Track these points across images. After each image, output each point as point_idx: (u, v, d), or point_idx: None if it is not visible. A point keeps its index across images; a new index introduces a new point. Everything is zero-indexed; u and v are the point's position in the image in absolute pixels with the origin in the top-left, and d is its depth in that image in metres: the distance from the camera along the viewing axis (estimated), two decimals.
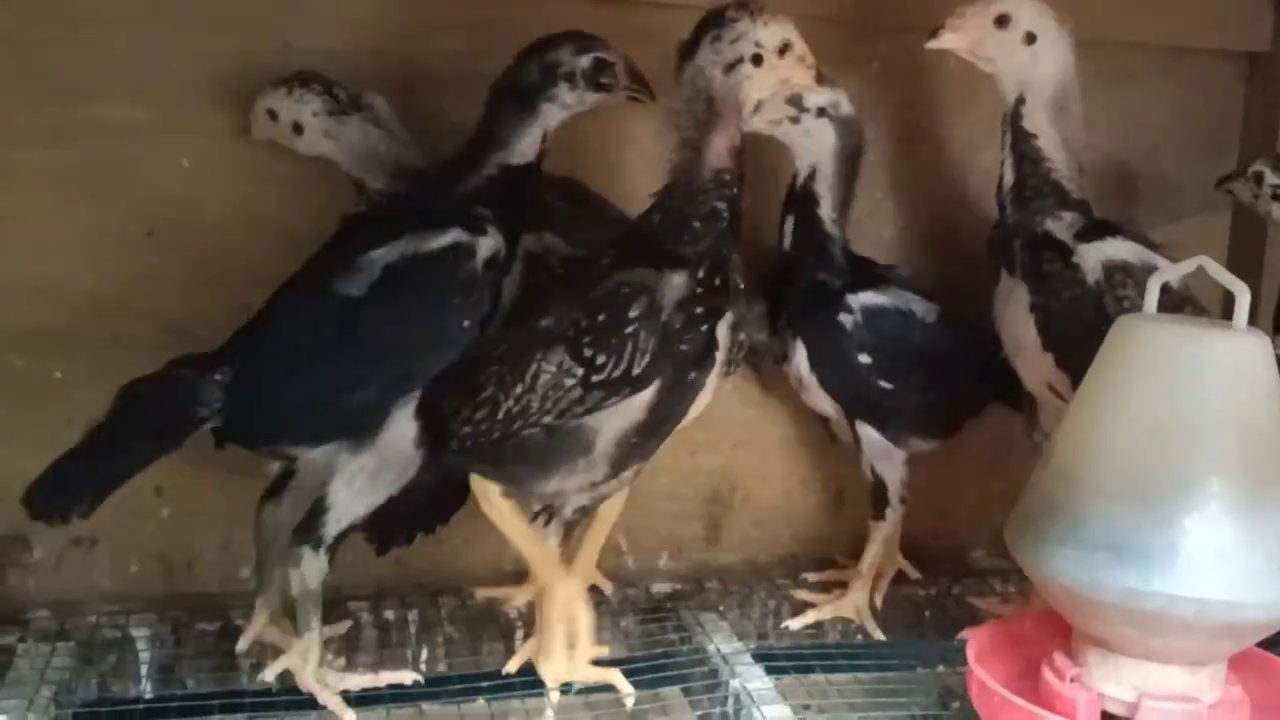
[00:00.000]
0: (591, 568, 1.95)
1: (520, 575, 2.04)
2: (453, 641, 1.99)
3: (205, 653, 1.88)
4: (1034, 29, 1.80)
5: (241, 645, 1.82)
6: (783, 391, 2.20)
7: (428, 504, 1.87)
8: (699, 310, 1.59)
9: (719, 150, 1.60)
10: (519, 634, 2.00)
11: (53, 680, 1.71)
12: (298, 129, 1.83)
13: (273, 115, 1.83)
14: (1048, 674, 1.59)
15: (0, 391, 1.90)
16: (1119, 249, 1.81)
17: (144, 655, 1.86)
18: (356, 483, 1.67)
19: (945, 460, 2.21)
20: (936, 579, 2.24)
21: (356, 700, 1.75)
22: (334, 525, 1.68)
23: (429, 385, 1.64)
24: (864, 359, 2.00)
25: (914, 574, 2.21)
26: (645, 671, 1.83)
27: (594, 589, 2.04)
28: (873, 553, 2.09)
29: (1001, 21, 1.79)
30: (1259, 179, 2.13)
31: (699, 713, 1.81)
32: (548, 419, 1.59)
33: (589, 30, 1.76)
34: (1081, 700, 1.53)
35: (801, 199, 1.99)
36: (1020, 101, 1.83)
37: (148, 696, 1.83)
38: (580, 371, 1.56)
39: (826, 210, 1.99)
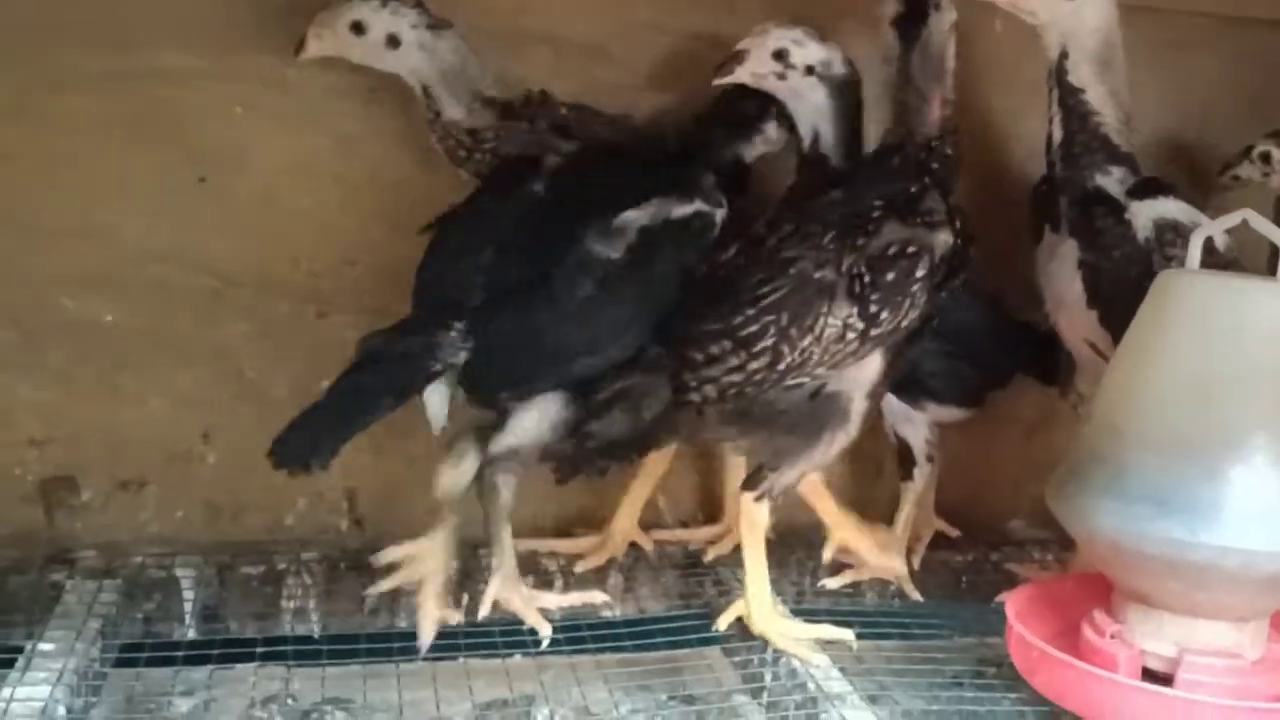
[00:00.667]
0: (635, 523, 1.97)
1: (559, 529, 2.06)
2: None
3: (249, 596, 1.90)
4: None
5: (483, 612, 1.81)
6: None
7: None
8: (955, 266, 1.69)
9: (942, 104, 1.74)
10: (557, 588, 2.00)
11: (100, 615, 1.73)
12: (393, 41, 1.80)
13: (359, 28, 1.77)
14: (1088, 631, 1.59)
15: (51, 334, 1.93)
16: (1170, 208, 1.80)
17: (188, 596, 1.88)
18: (553, 424, 1.74)
19: (983, 428, 2.20)
20: (975, 547, 2.23)
21: (399, 650, 1.76)
22: (507, 442, 1.76)
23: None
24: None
25: (953, 533, 2.21)
26: (688, 628, 1.84)
27: (634, 545, 2.07)
28: (905, 514, 2.07)
29: None
30: (1267, 158, 2.12)
31: (739, 671, 1.80)
32: (820, 370, 1.66)
33: None
34: (1123, 656, 1.53)
35: (812, 164, 1.87)
36: (1064, 55, 1.81)
37: (191, 637, 1.85)
38: (862, 326, 1.64)
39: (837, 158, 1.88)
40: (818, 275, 1.64)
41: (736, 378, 1.65)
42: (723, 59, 1.79)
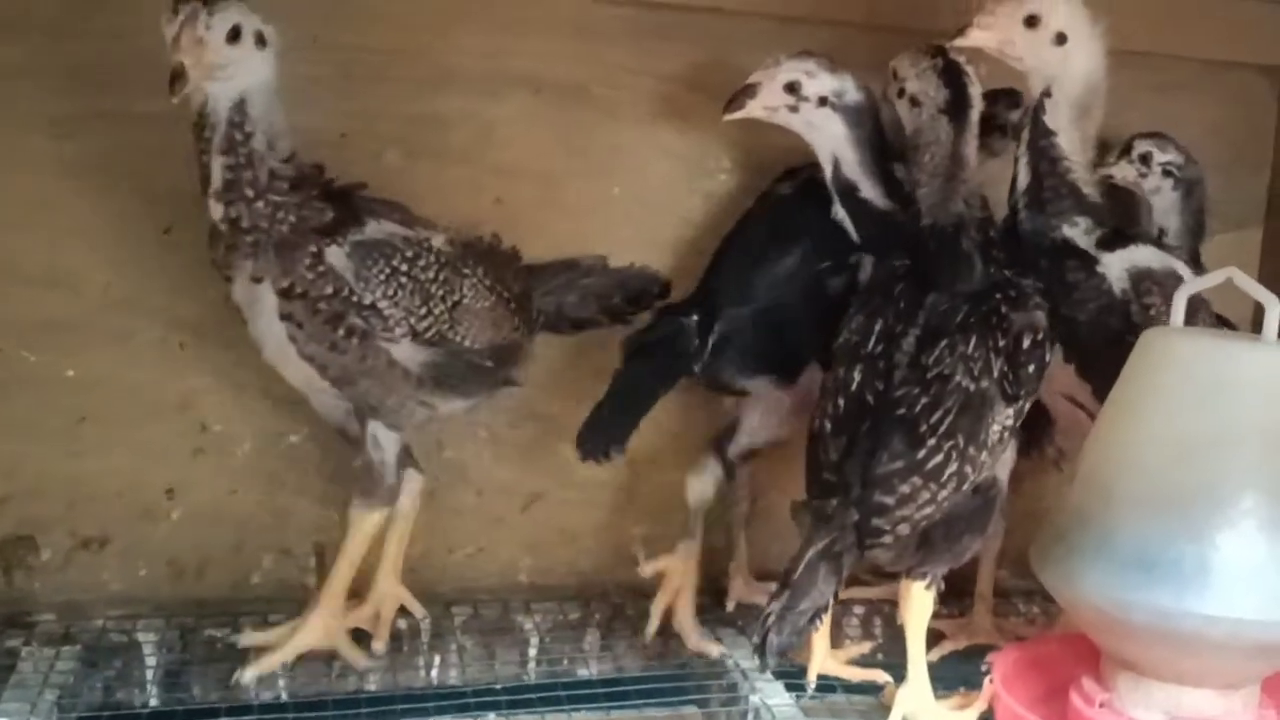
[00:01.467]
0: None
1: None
2: (466, 651, 1.94)
3: (213, 659, 1.84)
4: (1065, 29, 1.76)
5: (729, 606, 2.04)
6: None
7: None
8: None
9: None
10: (533, 645, 1.97)
11: (56, 685, 1.67)
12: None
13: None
14: (1076, 699, 1.56)
15: (12, 385, 1.87)
16: (1142, 255, 1.78)
17: (150, 661, 1.82)
18: (771, 413, 1.93)
19: None
20: (958, 600, 2.17)
21: (367, 715, 1.73)
22: (742, 442, 1.96)
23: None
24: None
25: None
26: (665, 689, 1.81)
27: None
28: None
29: (1031, 21, 1.76)
30: (1146, 160, 2.08)
31: None
32: (986, 471, 1.67)
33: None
34: None
35: (840, 191, 1.87)
36: (1046, 95, 1.78)
37: (153, 704, 1.79)
38: (1013, 420, 1.69)
39: (870, 192, 1.87)
40: (977, 388, 1.64)
41: (929, 510, 1.60)
42: (733, 93, 1.79)
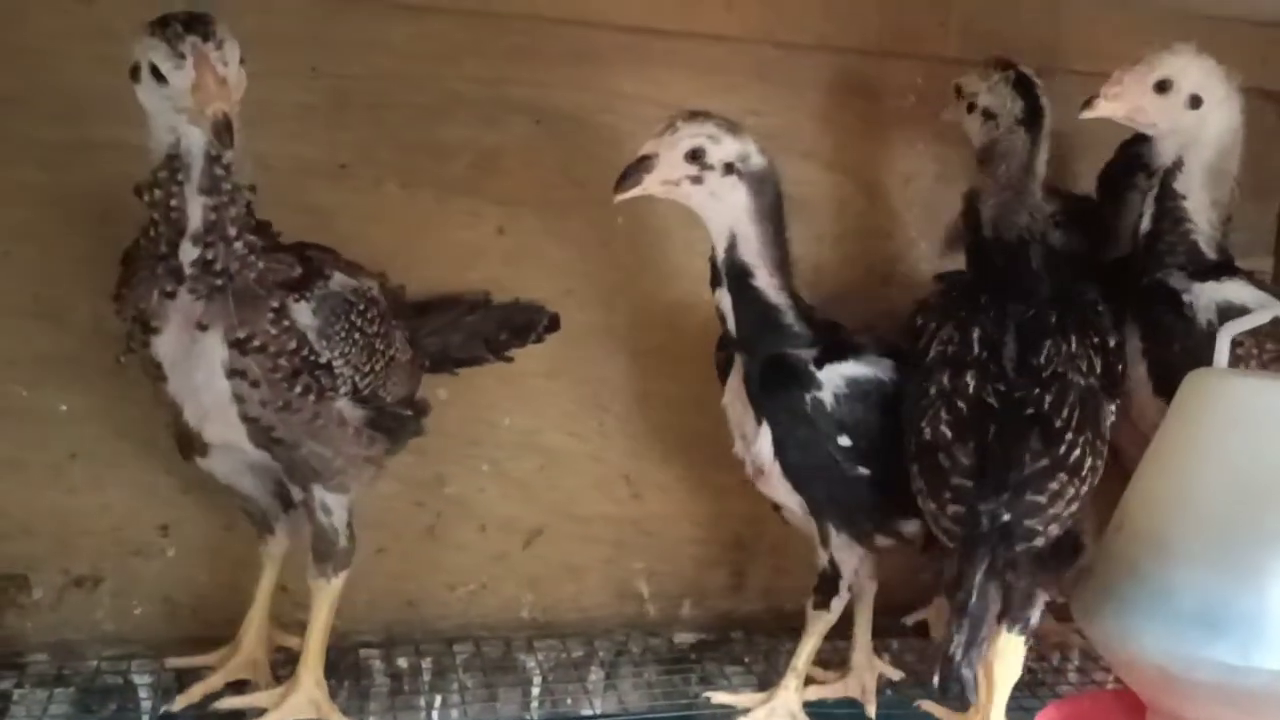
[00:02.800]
0: None
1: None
2: (467, 690, 1.90)
3: (209, 701, 1.77)
4: (1199, 92, 1.73)
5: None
6: None
7: None
8: None
9: None
10: (536, 684, 1.93)
11: None
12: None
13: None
14: None
15: (4, 421, 1.82)
16: (1232, 290, 1.75)
17: (145, 704, 1.77)
18: None
19: None
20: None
21: None
22: None
23: None
24: (843, 442, 1.72)
25: (895, 675, 1.95)
26: None
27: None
28: (810, 646, 1.81)
29: (1163, 87, 1.72)
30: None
31: None
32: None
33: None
34: None
35: (731, 275, 1.68)
36: (1179, 165, 1.76)
37: None
38: (1114, 419, 1.72)
39: (764, 280, 1.68)
40: (1088, 384, 1.66)
41: (1074, 507, 1.57)
42: (625, 169, 1.61)
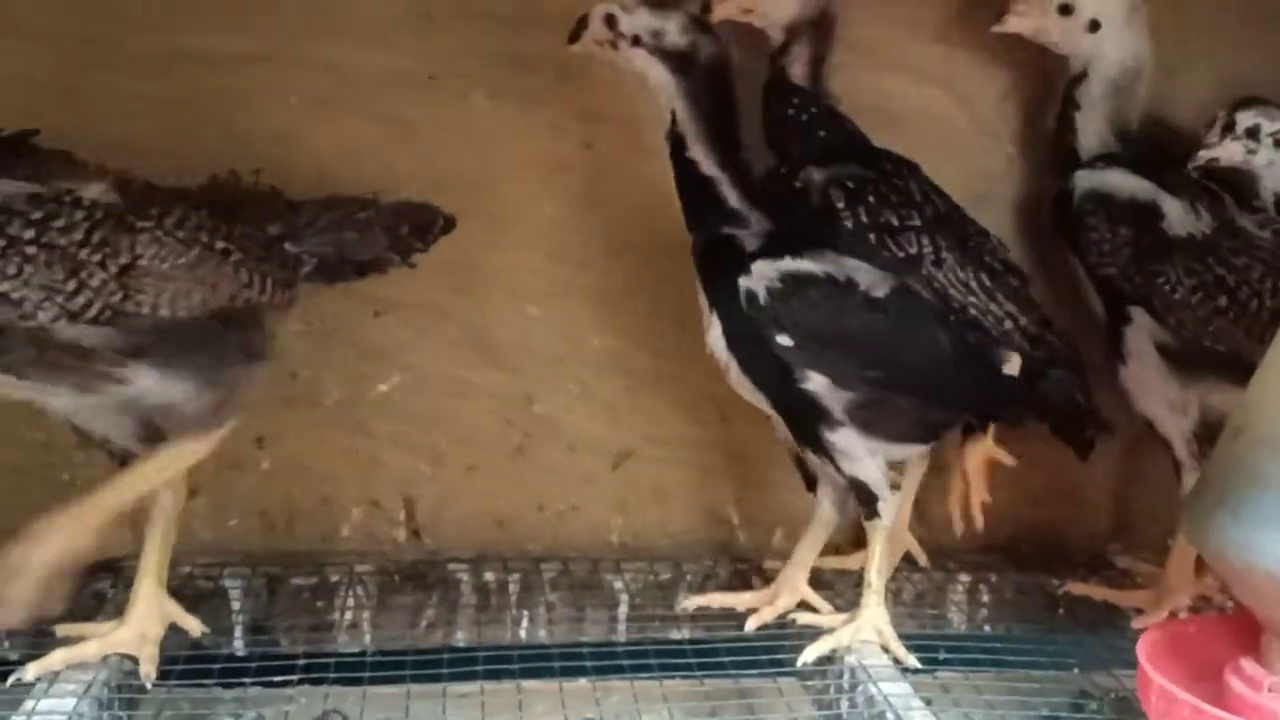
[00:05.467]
0: None
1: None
2: (554, 609, 1.90)
3: (299, 610, 1.83)
4: (1098, 16, 1.88)
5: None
6: None
7: None
8: None
9: None
10: (623, 605, 1.92)
11: None
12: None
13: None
14: (1236, 683, 1.39)
15: None
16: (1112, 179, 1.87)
17: (236, 608, 1.82)
18: None
19: None
20: (1072, 571, 2.07)
21: (449, 676, 1.67)
22: None
23: None
24: (782, 340, 1.63)
25: (922, 558, 2.02)
26: (760, 658, 1.72)
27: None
28: (877, 557, 1.72)
29: (1065, 10, 1.88)
30: (1254, 133, 1.86)
31: (812, 696, 1.68)
32: None
33: None
34: None
35: (671, 147, 1.68)
36: (1080, 78, 1.91)
37: (236, 651, 1.77)
38: None
39: (698, 152, 1.66)
40: None
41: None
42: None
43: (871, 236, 1.74)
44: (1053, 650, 1.80)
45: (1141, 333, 1.82)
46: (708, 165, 1.67)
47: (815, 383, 1.64)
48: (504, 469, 2.01)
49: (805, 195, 1.77)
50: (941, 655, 1.77)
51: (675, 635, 1.88)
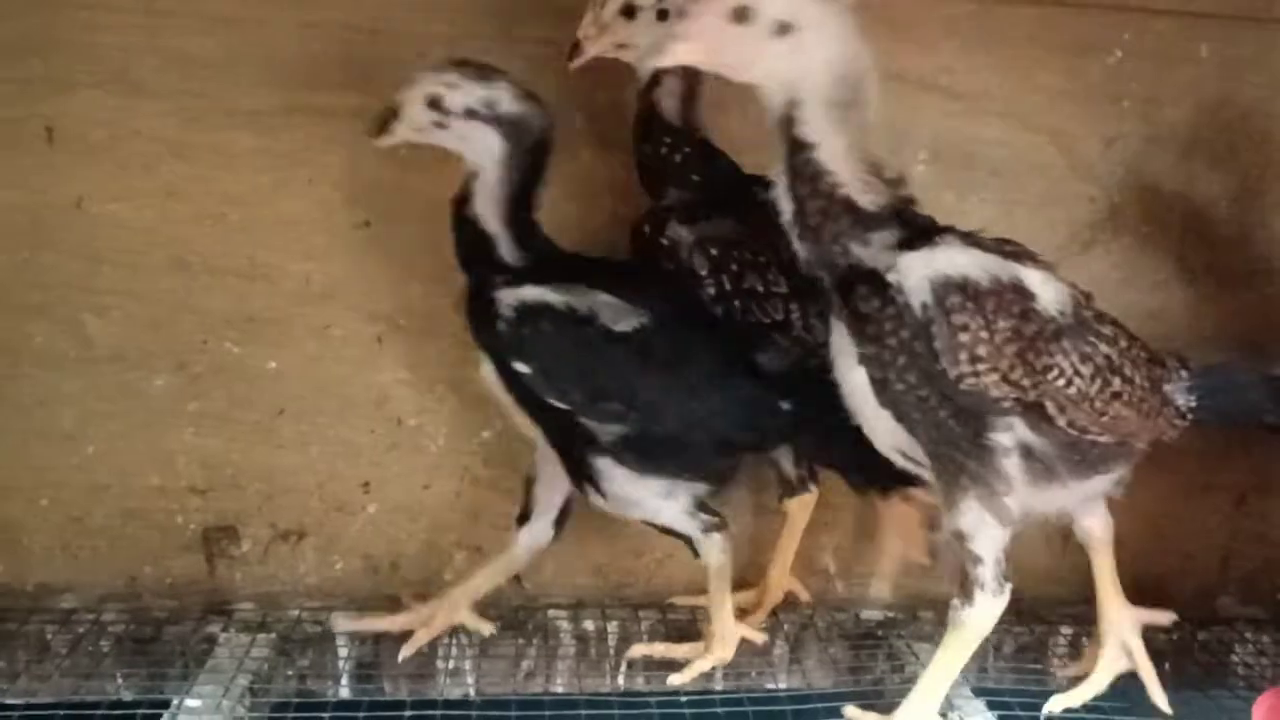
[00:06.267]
0: None
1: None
2: (652, 658, 1.89)
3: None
4: (787, 16, 1.43)
5: None
6: None
7: None
8: None
9: None
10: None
11: (250, 670, 1.72)
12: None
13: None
14: None
15: (215, 378, 1.92)
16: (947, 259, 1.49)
17: (343, 653, 1.85)
18: None
19: (1188, 495, 2.04)
20: (1179, 626, 2.00)
21: (551, 717, 1.72)
22: None
23: None
24: (520, 367, 1.70)
25: (804, 595, 2.00)
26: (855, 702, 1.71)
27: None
28: (716, 596, 1.81)
29: (741, 15, 1.43)
30: None
31: None
32: None
33: None
34: None
35: (458, 199, 1.72)
36: (793, 105, 1.46)
37: (343, 695, 1.82)
38: None
39: (487, 212, 1.71)
40: None
41: None
42: (377, 115, 1.68)
43: (736, 303, 1.73)
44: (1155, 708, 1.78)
45: None
46: (492, 223, 1.72)
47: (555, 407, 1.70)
48: (601, 517, 2.00)
49: (673, 252, 1.75)
50: (1043, 713, 1.75)
51: (770, 685, 1.89)
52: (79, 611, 1.90)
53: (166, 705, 1.60)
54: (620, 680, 1.89)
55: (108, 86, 1.83)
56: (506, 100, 1.68)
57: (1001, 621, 1.94)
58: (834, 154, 1.47)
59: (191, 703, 1.59)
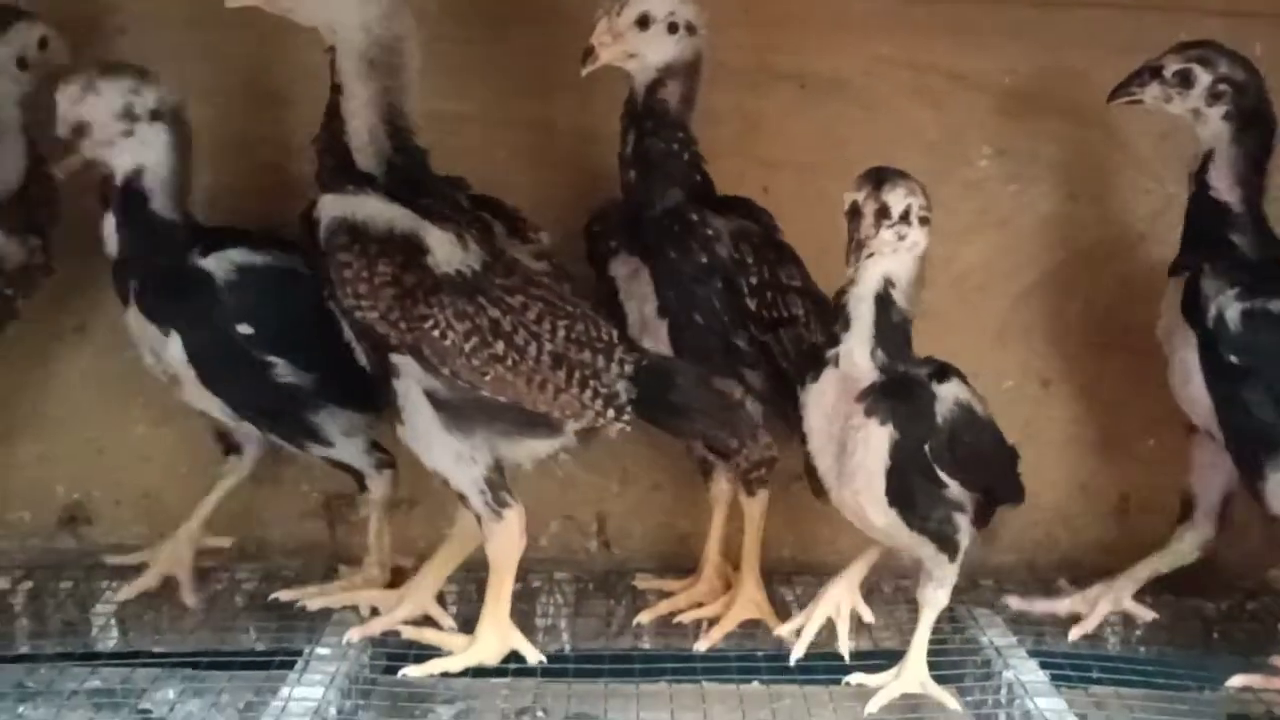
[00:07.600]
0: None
1: None
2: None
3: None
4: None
5: None
6: (1069, 388, 2.17)
7: None
8: None
9: None
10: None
11: None
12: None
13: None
14: None
15: None
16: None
17: (453, 611, 1.94)
18: None
19: None
20: (1229, 595, 2.13)
21: (640, 672, 1.83)
22: None
23: None
24: (243, 330, 1.84)
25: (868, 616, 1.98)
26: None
27: None
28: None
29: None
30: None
31: (972, 711, 1.79)
32: None
33: None
34: None
35: (126, 200, 1.85)
36: (332, 50, 1.71)
37: None
38: None
39: (161, 203, 1.86)
40: None
41: None
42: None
43: (769, 295, 1.87)
44: (1205, 673, 1.87)
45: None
46: (170, 213, 1.87)
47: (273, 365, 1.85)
48: (685, 488, 2.16)
49: (710, 242, 1.85)
50: (1095, 674, 1.85)
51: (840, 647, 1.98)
52: (215, 571, 2.09)
53: (299, 654, 1.76)
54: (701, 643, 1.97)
55: None
56: (167, 95, 1.84)
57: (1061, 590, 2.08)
58: (360, 105, 1.70)
59: (322, 651, 1.75)
